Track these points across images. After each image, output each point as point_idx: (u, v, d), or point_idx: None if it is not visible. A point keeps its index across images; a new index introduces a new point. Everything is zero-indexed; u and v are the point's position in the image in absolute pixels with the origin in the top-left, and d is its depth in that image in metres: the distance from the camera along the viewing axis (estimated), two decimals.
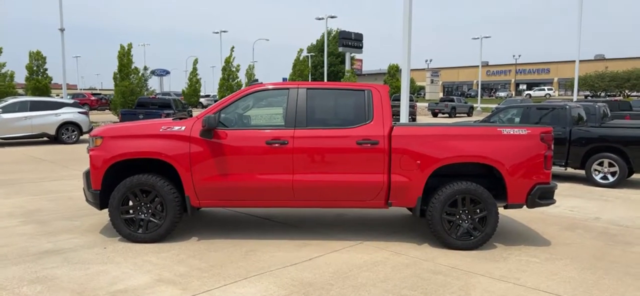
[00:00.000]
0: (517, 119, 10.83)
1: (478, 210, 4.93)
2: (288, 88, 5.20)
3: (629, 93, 55.02)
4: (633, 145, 8.68)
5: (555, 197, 5.13)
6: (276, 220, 6.09)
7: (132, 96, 24.93)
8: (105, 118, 26.34)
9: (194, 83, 44.75)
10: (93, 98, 43.99)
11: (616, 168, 8.75)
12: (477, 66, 55.64)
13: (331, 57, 54.80)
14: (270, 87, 5.38)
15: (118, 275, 4.09)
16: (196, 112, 6.72)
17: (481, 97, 53.77)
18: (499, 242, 5.19)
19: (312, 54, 61.14)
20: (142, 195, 5.01)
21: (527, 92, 65.59)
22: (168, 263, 4.43)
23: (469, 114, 39.70)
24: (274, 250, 4.84)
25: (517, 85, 74.97)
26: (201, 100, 48.68)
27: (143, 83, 26.92)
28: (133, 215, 5.03)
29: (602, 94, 54.60)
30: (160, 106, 20.05)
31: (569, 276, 4.23)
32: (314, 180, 4.93)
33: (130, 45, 25.54)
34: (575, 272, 4.35)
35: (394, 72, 40.28)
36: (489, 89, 76.70)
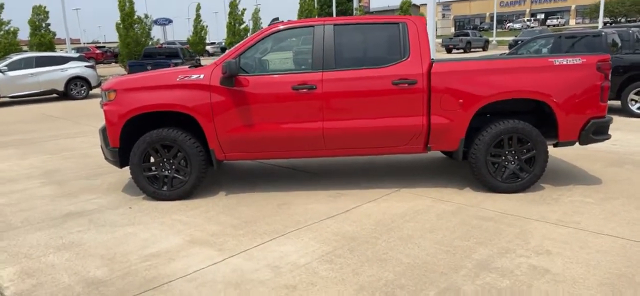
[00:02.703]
0: (545, 50, 10.25)
1: (525, 150, 4.55)
2: (312, 26, 4.71)
3: None
4: None
5: None
6: (302, 170, 5.79)
7: (137, 47, 24.32)
8: (114, 71, 25.89)
9: (199, 31, 43.40)
10: (98, 51, 43.26)
11: None
12: None
13: None
14: (292, 25, 4.89)
15: (148, 237, 3.85)
16: (204, 61, 6.26)
17: (495, 30, 51.78)
18: (546, 183, 4.84)
19: None
20: (164, 151, 4.70)
21: (508, 24, 64.71)
22: (198, 221, 4.17)
23: (485, 48, 38.29)
24: (307, 202, 4.56)
25: (533, 14, 71.97)
26: (207, 48, 47.58)
27: (147, 32, 26.07)
28: (156, 172, 4.75)
29: (622, 20, 52.21)
30: (167, 56, 19.48)
31: (631, 217, 3.90)
32: (346, 126, 4.55)
33: None
34: (637, 212, 4.01)
35: (406, 8, 38.69)
36: (502, 21, 73.92)
